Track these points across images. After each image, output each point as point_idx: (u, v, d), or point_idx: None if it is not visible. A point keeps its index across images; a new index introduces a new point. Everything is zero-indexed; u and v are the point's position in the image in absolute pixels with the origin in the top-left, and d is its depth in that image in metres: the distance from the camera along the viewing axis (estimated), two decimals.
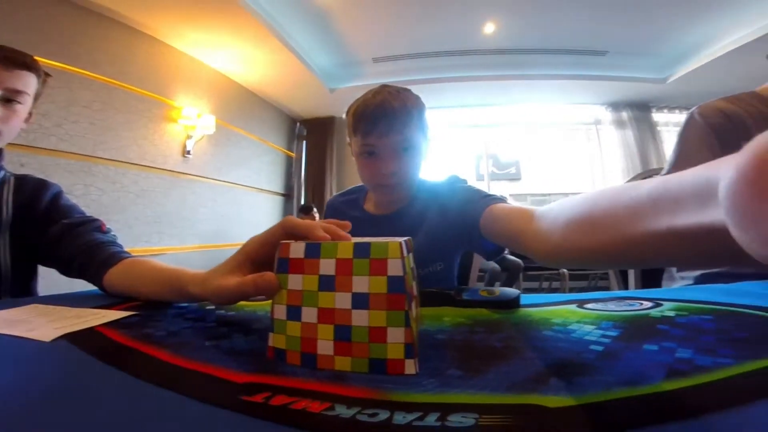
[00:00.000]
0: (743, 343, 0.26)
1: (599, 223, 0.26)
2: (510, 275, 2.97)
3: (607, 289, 1.99)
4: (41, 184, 0.66)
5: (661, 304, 0.41)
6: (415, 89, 0.77)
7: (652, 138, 4.16)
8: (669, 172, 0.88)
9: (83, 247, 0.56)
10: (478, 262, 1.00)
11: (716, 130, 0.82)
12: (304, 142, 4.60)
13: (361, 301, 0.25)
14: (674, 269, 0.85)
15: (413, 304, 0.28)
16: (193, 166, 2.99)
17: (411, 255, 0.31)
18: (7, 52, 0.59)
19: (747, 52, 2.90)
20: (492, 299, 0.44)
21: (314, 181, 4.42)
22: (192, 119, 2.86)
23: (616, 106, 4.20)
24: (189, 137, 2.91)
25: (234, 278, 0.32)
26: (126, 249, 0.59)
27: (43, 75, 0.65)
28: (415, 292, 0.31)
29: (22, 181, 0.66)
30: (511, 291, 0.46)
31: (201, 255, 3.03)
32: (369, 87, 0.76)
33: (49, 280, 0.69)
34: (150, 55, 2.63)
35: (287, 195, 4.47)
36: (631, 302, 0.43)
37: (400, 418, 0.18)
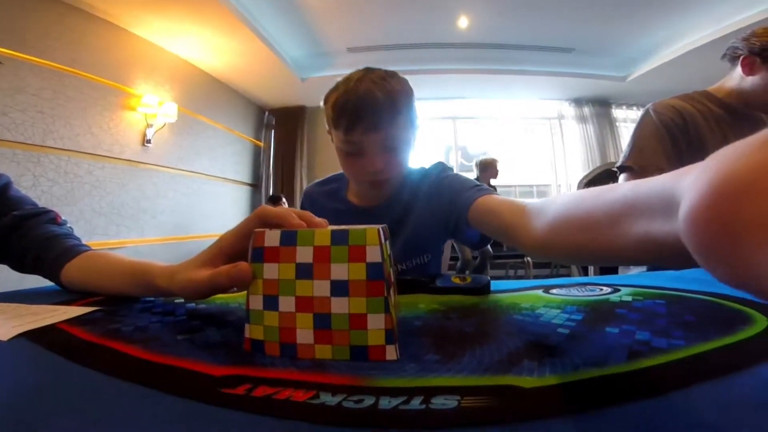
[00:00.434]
0: (693, 326, 0.28)
1: (581, 224, 0.27)
2: (481, 262, 3.06)
3: (568, 276, 2.11)
4: None
5: (619, 290, 0.44)
6: None
7: (611, 133, 4.39)
8: (623, 163, 0.93)
9: (37, 240, 0.52)
10: (449, 250, 1.02)
11: (667, 126, 0.88)
12: (273, 131, 4.48)
13: (340, 288, 0.25)
14: None
15: (392, 291, 0.29)
16: (153, 156, 2.84)
17: (388, 242, 0.31)
18: None
19: (702, 53, 3.12)
20: (464, 286, 0.46)
21: (283, 171, 4.33)
22: (153, 107, 2.72)
23: (578, 101, 4.39)
24: (149, 126, 2.77)
25: (206, 271, 0.31)
26: (84, 243, 0.55)
27: None
28: (392, 278, 0.31)
29: None
30: (482, 278, 0.48)
31: (163, 248, 2.91)
32: (343, 77, 0.69)
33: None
34: (107, 41, 2.48)
35: (255, 185, 4.35)
36: (591, 288, 0.46)
37: (386, 402, 0.18)
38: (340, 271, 0.25)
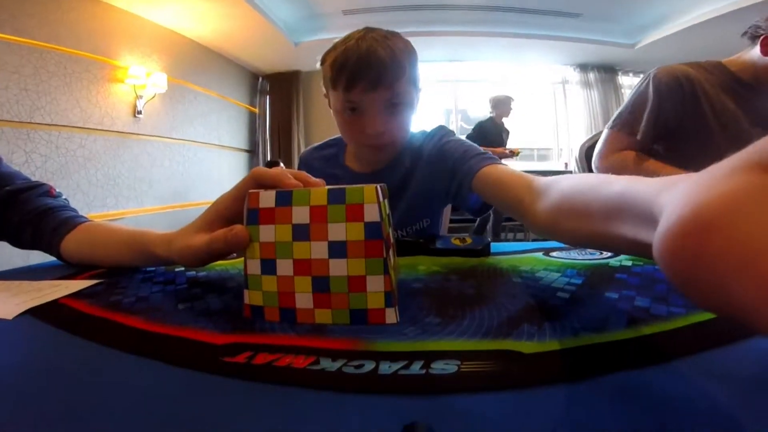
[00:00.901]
0: None
1: (579, 214, 0.27)
2: (481, 223, 3.09)
3: None
4: None
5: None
6: None
7: (615, 100, 4.29)
8: (613, 124, 0.93)
9: (33, 215, 0.51)
10: (449, 212, 1.01)
11: (662, 97, 0.86)
12: (267, 97, 4.38)
13: (338, 249, 0.25)
14: None
15: (391, 252, 0.28)
16: (145, 126, 2.80)
17: (386, 201, 0.30)
18: None
19: (716, 25, 3.01)
20: (464, 248, 0.46)
21: (280, 136, 4.28)
22: (141, 78, 2.65)
23: (584, 67, 4.27)
24: (139, 97, 2.71)
25: (203, 236, 0.31)
26: (82, 214, 0.55)
27: None
28: (391, 239, 0.31)
29: None
30: (482, 239, 0.48)
31: (163, 216, 2.94)
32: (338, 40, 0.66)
33: (4, 253, 0.64)
34: (84, 15, 2.38)
35: (251, 151, 4.31)
36: (591, 251, 0.46)
37: (386, 367, 0.18)
38: (337, 231, 0.25)
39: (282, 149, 4.26)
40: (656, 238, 0.12)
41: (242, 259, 0.27)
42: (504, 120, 3.16)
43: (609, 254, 0.44)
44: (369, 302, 0.25)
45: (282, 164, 3.45)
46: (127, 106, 2.67)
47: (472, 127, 3.28)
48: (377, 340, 0.22)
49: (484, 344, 0.21)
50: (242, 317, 0.26)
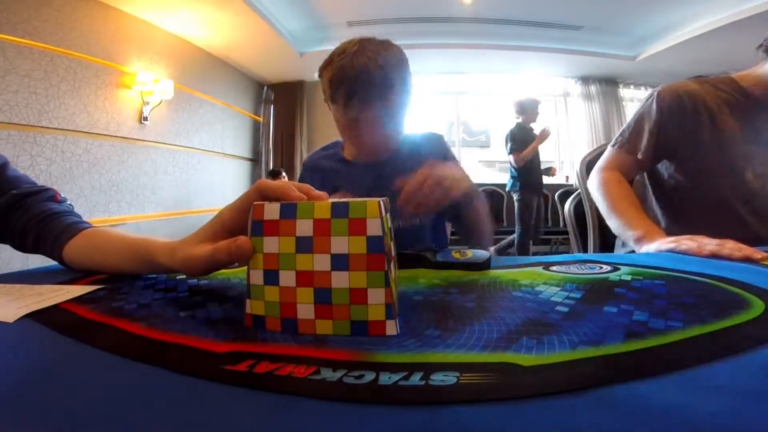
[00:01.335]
0: (691, 308, 0.29)
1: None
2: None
3: (568, 253, 2.11)
4: None
5: (619, 269, 0.44)
6: None
7: (616, 112, 4.32)
8: (615, 142, 0.91)
9: (37, 219, 0.52)
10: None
11: (662, 114, 0.85)
12: (272, 106, 4.42)
13: (340, 262, 0.25)
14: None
15: (392, 265, 0.29)
16: (151, 132, 2.83)
17: (388, 215, 0.31)
18: None
19: (717, 36, 3.04)
20: (465, 261, 0.46)
21: (283, 145, 4.31)
22: (148, 84, 2.69)
23: (585, 79, 4.31)
24: (146, 103, 2.74)
25: (206, 247, 0.31)
26: (85, 220, 0.55)
27: None
28: (393, 252, 0.31)
29: None
30: (482, 253, 0.48)
31: (164, 223, 2.94)
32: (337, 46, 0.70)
33: (3, 257, 0.64)
34: (96, 20, 2.43)
35: (255, 160, 4.34)
36: (591, 265, 0.46)
37: (386, 378, 0.18)
38: (340, 244, 0.25)
39: (285, 158, 4.29)
40: None
41: (244, 267, 0.27)
42: (532, 125, 2.99)
43: (608, 269, 0.44)
44: (370, 314, 0.25)
45: (284, 174, 3.46)
46: (133, 111, 2.70)
47: (474, 138, 3.27)
48: (378, 351, 0.22)
49: (484, 357, 0.21)
50: (243, 326, 0.26)
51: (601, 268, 0.45)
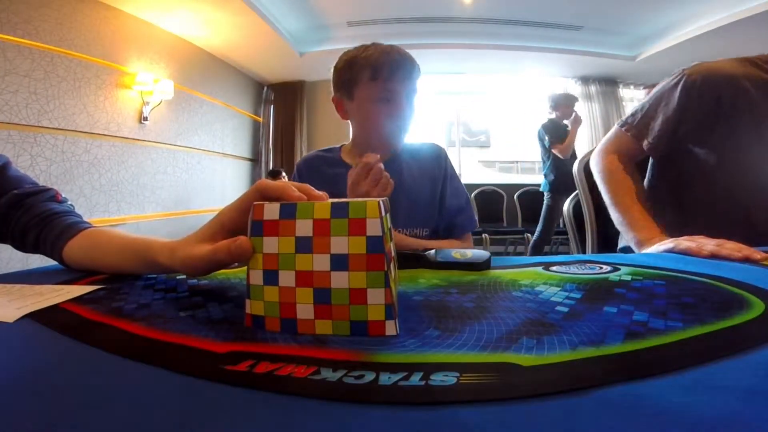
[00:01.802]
0: (690, 308, 0.29)
1: None
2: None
3: (567, 253, 2.11)
4: None
5: (619, 269, 0.44)
6: None
7: (616, 112, 4.32)
8: (624, 122, 0.83)
9: (37, 219, 0.52)
10: None
11: (690, 101, 0.75)
12: (272, 106, 4.42)
13: (340, 262, 0.25)
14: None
15: (391, 265, 0.29)
16: (151, 132, 2.83)
17: (388, 215, 0.31)
18: None
19: (716, 36, 3.03)
20: (465, 261, 0.46)
21: (283, 145, 4.31)
22: (148, 85, 2.69)
23: (585, 80, 4.31)
24: (146, 103, 2.74)
25: (206, 246, 0.31)
26: (86, 220, 0.55)
27: None
28: (392, 253, 0.31)
29: None
30: (482, 253, 0.48)
31: (164, 223, 2.94)
32: (342, 51, 0.76)
33: (2, 257, 0.64)
34: (96, 20, 2.43)
35: (255, 160, 4.34)
36: (591, 266, 0.46)
37: (386, 378, 0.18)
38: (340, 244, 0.25)
39: (285, 158, 4.28)
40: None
41: (244, 267, 0.27)
42: (566, 122, 2.88)
43: (608, 269, 0.44)
44: (369, 314, 0.25)
45: (284, 173, 3.46)
46: (133, 112, 2.70)
47: (474, 138, 3.24)
48: (377, 351, 0.22)
49: (484, 357, 0.21)
50: (243, 326, 0.26)
51: (601, 268, 0.45)
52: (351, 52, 0.76)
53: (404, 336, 0.24)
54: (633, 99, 4.41)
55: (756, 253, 0.49)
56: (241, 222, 0.31)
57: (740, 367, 0.19)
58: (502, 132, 4.59)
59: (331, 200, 0.28)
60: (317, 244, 0.25)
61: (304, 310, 0.25)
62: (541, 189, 3.04)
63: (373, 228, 0.25)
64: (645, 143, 0.81)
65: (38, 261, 0.53)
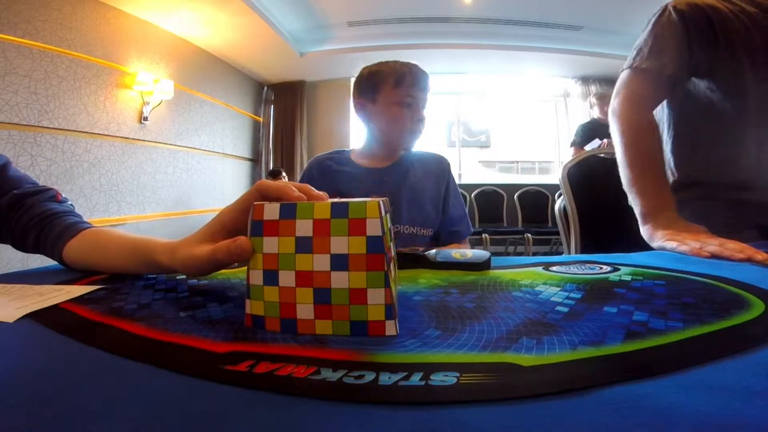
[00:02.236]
0: (690, 308, 0.29)
1: None
2: None
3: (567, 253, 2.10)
4: None
5: (619, 269, 0.44)
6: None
7: None
8: (638, 65, 0.77)
9: (37, 219, 0.52)
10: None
11: (687, 24, 0.73)
12: (272, 106, 4.43)
13: (340, 262, 0.25)
14: None
15: (391, 265, 0.29)
16: (151, 132, 2.83)
17: (388, 215, 0.31)
18: None
19: None
20: (465, 261, 0.46)
21: (283, 145, 4.32)
22: (148, 85, 2.69)
23: (585, 80, 4.30)
24: (146, 103, 2.74)
25: (206, 247, 0.31)
26: (86, 220, 0.55)
27: None
28: (392, 253, 0.31)
29: None
30: (482, 253, 0.48)
31: (164, 223, 2.95)
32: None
33: (2, 257, 0.64)
34: (96, 20, 2.43)
35: (255, 160, 4.34)
36: (591, 266, 0.46)
37: (386, 378, 0.18)
38: (339, 244, 0.25)
39: (285, 158, 4.29)
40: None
41: (244, 268, 0.27)
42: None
43: (608, 269, 0.44)
44: (369, 314, 0.25)
45: (284, 174, 3.47)
46: (133, 112, 2.70)
47: (475, 138, 3.24)
48: (377, 351, 0.22)
49: (484, 357, 0.21)
50: (243, 326, 0.26)
51: (601, 268, 0.45)
52: (374, 66, 0.90)
53: (404, 336, 0.24)
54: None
55: (759, 254, 0.49)
56: (241, 222, 0.31)
57: (740, 367, 0.19)
58: (503, 132, 4.58)
59: (330, 200, 0.28)
60: (317, 244, 0.25)
61: (304, 310, 0.25)
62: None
63: (373, 228, 0.25)
64: (669, 70, 0.73)
65: (38, 261, 0.53)
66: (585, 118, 4.29)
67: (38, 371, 0.20)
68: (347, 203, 0.26)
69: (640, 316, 0.27)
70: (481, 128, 4.65)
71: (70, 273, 0.47)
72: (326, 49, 3.57)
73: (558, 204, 1.17)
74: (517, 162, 4.59)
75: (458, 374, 0.18)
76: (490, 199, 3.80)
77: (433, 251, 0.49)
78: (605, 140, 2.66)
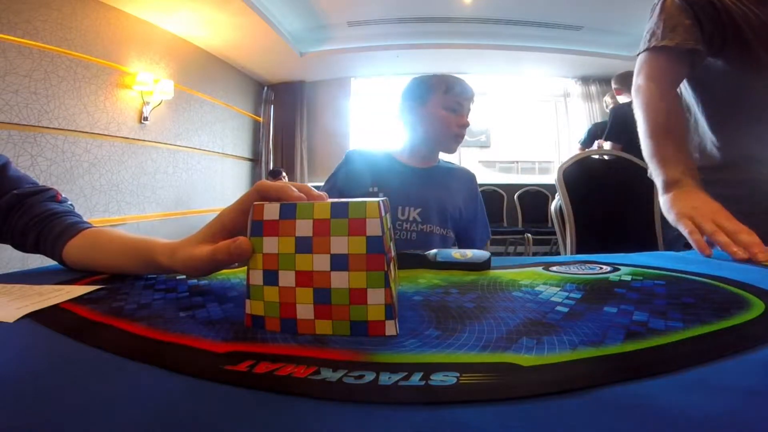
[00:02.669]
0: (690, 308, 0.29)
1: None
2: None
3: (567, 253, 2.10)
4: None
5: (619, 269, 0.44)
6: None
7: None
8: (655, 44, 0.76)
9: (37, 219, 0.52)
10: None
11: (692, 5, 0.73)
12: (272, 106, 4.42)
13: (340, 262, 0.25)
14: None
15: (391, 265, 0.29)
16: (151, 133, 2.83)
17: (388, 215, 0.31)
18: None
19: None
20: (465, 261, 0.46)
21: (283, 145, 4.31)
22: (148, 85, 2.69)
23: (585, 79, 4.30)
24: (146, 103, 2.74)
25: (206, 247, 0.31)
26: (86, 220, 0.55)
27: None
28: (392, 253, 0.31)
29: None
30: (482, 253, 0.48)
31: (164, 223, 2.95)
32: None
33: (2, 257, 0.64)
34: (96, 20, 2.43)
35: (255, 160, 4.34)
36: (591, 266, 0.46)
37: (386, 378, 0.18)
38: (339, 244, 0.25)
39: (285, 158, 4.29)
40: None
41: (244, 268, 0.27)
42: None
43: (608, 269, 0.44)
44: (369, 314, 0.25)
45: (284, 174, 3.46)
46: (133, 112, 2.70)
47: (475, 138, 3.23)
48: (377, 351, 0.22)
49: (484, 357, 0.21)
50: (243, 326, 0.26)
51: (601, 268, 0.45)
52: (425, 75, 0.99)
53: (404, 336, 0.24)
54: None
55: (761, 254, 0.49)
56: (241, 222, 0.31)
57: (740, 367, 0.19)
58: (503, 132, 4.58)
59: (330, 200, 0.28)
60: (317, 244, 0.25)
61: (304, 310, 0.25)
62: None
63: (373, 228, 0.25)
64: (684, 49, 0.73)
65: (38, 261, 0.53)
66: (587, 119, 4.31)
67: (38, 371, 0.20)
68: (347, 203, 0.26)
69: (640, 316, 0.27)
70: (481, 128, 4.64)
71: (70, 273, 0.47)
72: (326, 49, 3.57)
73: (554, 204, 1.18)
74: (517, 162, 4.59)
75: (458, 374, 0.18)
76: (490, 199, 3.79)
77: (433, 251, 0.49)
78: (598, 141, 2.65)
